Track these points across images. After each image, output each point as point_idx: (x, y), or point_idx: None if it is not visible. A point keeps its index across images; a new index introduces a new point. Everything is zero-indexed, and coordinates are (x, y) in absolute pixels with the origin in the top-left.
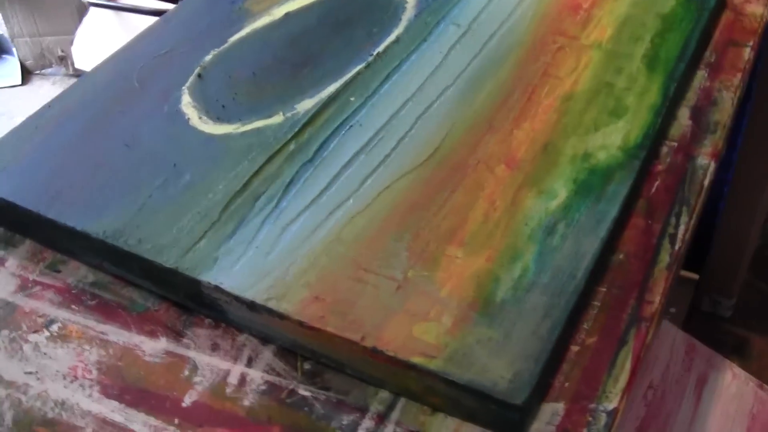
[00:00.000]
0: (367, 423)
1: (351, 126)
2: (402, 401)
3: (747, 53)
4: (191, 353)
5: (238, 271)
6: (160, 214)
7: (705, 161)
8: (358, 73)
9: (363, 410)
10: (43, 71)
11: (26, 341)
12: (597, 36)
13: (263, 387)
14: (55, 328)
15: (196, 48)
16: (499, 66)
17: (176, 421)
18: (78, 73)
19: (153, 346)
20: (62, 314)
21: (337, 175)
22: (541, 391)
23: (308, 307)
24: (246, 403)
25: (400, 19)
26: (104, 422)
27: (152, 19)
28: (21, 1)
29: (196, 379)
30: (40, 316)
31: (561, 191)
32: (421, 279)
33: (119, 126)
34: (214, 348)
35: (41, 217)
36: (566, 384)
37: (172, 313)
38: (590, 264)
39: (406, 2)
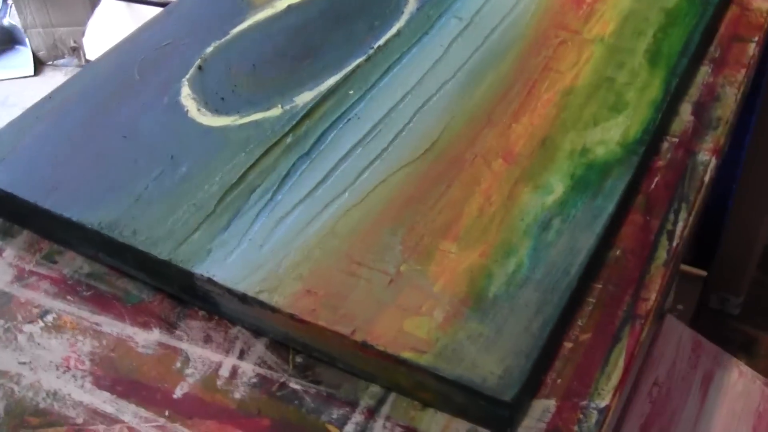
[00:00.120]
0: (357, 417)
1: (349, 119)
2: (392, 396)
3: (752, 49)
4: (184, 345)
5: (231, 263)
6: (155, 205)
7: (706, 157)
8: (358, 66)
9: (353, 404)
10: (55, 62)
11: (21, 331)
12: (599, 30)
13: (254, 380)
14: (49, 318)
15: (198, 40)
16: (500, 60)
17: (166, 412)
18: None
19: (146, 338)
20: (57, 305)
21: (333, 169)
22: (531, 387)
23: (300, 300)
24: (236, 395)
25: (402, 12)
26: (95, 413)
27: None
28: None
29: (188, 371)
30: (35, 307)
31: (558, 186)
32: (414, 273)
33: (118, 118)
34: (207, 340)
35: (38, 207)
36: (558, 381)
37: (167, 305)
38: (585, 260)
39: None
